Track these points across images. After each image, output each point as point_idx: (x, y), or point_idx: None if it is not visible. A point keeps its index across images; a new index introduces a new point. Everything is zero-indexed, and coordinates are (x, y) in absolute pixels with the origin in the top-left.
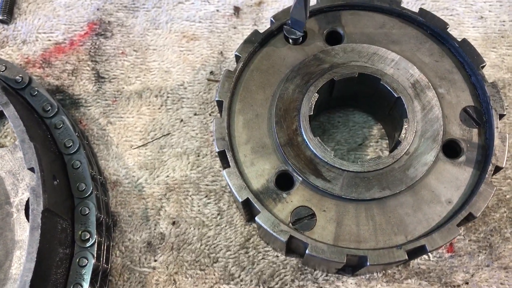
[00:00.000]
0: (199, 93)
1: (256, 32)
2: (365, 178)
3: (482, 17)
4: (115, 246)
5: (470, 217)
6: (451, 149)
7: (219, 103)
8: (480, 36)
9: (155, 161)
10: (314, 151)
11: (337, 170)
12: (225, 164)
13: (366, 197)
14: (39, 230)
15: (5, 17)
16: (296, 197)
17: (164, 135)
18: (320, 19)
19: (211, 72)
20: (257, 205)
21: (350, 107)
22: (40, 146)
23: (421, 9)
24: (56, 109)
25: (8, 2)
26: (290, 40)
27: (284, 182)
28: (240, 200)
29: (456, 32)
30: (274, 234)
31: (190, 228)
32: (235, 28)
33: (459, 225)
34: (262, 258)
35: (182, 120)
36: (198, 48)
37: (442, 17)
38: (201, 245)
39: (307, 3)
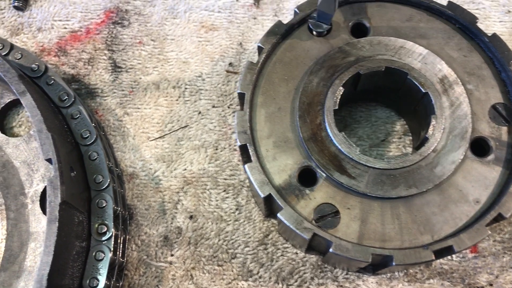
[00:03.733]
0: (218, 84)
1: (279, 23)
2: (391, 176)
3: (509, 11)
4: (131, 239)
5: (499, 218)
6: (479, 147)
7: (241, 96)
8: (507, 31)
9: (173, 153)
10: (339, 146)
11: (363, 167)
12: (245, 158)
13: (392, 195)
14: (57, 223)
15: (21, 4)
16: (320, 194)
17: (182, 127)
18: (345, 10)
19: (230, 64)
20: (279, 201)
21: (373, 101)
22: (57, 136)
23: (450, 2)
24: (73, 99)
25: None
26: (314, 32)
27: (307, 178)
28: (262, 196)
29: (482, 26)
30: (297, 231)
31: (207, 223)
32: (255, 18)
33: (487, 225)
34: (281, 255)
35: (200, 112)
36: (217, 39)
37: None
38: (219, 240)
39: None
